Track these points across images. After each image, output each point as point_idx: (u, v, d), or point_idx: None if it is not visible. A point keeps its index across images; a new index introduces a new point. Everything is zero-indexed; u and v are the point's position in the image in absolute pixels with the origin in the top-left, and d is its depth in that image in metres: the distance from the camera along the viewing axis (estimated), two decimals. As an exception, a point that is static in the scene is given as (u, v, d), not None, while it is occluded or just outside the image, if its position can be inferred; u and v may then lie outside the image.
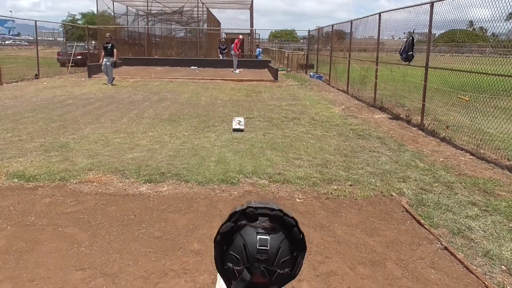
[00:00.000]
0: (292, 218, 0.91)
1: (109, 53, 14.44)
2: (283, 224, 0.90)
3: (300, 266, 0.92)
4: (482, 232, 3.55)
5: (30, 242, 3.25)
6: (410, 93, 9.25)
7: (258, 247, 0.86)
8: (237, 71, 19.59)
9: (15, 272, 2.84)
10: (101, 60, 14.62)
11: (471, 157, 5.96)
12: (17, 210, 3.86)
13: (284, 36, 64.67)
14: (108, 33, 16.94)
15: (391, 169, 5.26)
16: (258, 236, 0.87)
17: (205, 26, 31.05)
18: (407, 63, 8.98)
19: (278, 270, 0.87)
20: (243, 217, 0.90)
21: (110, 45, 14.53)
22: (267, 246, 0.86)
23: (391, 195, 4.42)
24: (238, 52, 19.89)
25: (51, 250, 3.14)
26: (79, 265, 2.94)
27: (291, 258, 0.89)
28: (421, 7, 8.28)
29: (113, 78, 14.84)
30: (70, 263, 2.97)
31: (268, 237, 0.87)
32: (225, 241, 0.90)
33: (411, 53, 8.78)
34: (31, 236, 3.36)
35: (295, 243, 0.91)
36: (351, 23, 13.73)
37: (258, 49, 26.35)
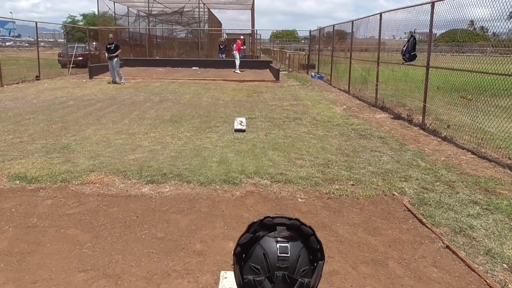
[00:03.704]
0: (309, 227, 0.91)
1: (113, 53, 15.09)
2: (301, 234, 0.91)
3: (320, 277, 0.91)
4: (483, 230, 3.55)
5: (32, 244, 3.26)
6: (412, 92, 9.24)
7: (279, 255, 0.86)
8: (239, 71, 19.59)
9: (18, 274, 2.85)
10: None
11: (472, 156, 5.96)
12: (19, 212, 3.87)
13: (285, 37, 64.67)
14: (111, 34, 17.13)
15: (392, 169, 5.27)
16: (278, 244, 0.87)
17: (206, 27, 31.07)
18: (409, 63, 8.98)
19: (299, 279, 0.86)
20: (261, 227, 0.91)
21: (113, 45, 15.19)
22: (287, 253, 0.86)
23: (393, 195, 4.43)
24: (239, 52, 19.86)
25: (53, 252, 3.14)
26: (81, 266, 2.95)
27: (310, 269, 0.90)
28: (422, 7, 8.28)
29: (117, 79, 15.31)
30: (72, 264, 2.97)
31: (288, 244, 0.87)
32: (243, 252, 0.91)
33: (414, 53, 8.78)
34: (33, 238, 3.37)
35: (313, 253, 0.91)
36: (352, 23, 13.73)
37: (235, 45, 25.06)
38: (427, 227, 3.64)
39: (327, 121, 8.53)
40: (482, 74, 6.44)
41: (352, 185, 4.70)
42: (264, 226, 0.91)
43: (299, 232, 0.91)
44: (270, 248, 0.87)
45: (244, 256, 0.91)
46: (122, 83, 15.07)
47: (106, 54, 15.24)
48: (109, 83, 15.29)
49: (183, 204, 4.09)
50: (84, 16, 50.79)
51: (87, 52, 22.86)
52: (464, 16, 7.05)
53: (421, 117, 8.22)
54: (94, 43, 25.09)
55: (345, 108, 10.50)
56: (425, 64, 8.01)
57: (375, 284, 2.82)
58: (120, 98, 11.64)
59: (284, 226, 0.91)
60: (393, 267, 3.02)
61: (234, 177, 4.81)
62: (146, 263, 3.01)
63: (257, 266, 0.87)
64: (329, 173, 5.05)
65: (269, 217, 0.91)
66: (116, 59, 15.05)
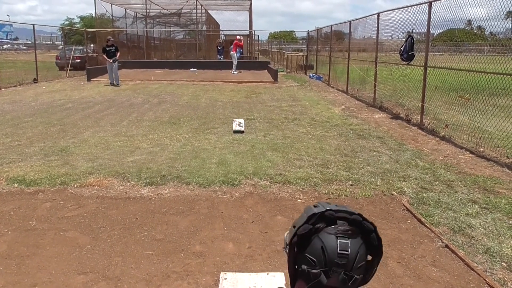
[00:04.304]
0: (371, 223, 0.90)
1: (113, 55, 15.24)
2: (361, 229, 0.89)
3: (374, 272, 0.91)
4: (482, 229, 3.56)
5: (31, 247, 3.26)
6: (410, 92, 9.26)
7: (338, 251, 0.85)
8: (236, 72, 19.57)
9: (17, 277, 2.84)
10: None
11: (471, 155, 5.97)
12: (18, 215, 3.86)
13: (283, 37, 64.69)
14: (109, 36, 17.14)
15: (391, 169, 5.27)
16: (339, 240, 0.86)
17: (204, 28, 31.08)
18: (406, 62, 9.00)
19: (356, 276, 0.86)
20: (321, 220, 0.89)
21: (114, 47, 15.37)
22: (347, 251, 0.85)
23: (392, 194, 4.43)
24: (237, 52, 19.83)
25: (52, 255, 3.14)
26: (81, 269, 2.95)
27: (365, 263, 0.89)
28: (419, 6, 8.30)
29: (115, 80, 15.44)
30: (72, 267, 2.97)
31: (348, 241, 0.86)
32: (299, 242, 0.89)
33: (411, 53, 8.80)
34: (33, 241, 3.36)
35: (371, 249, 0.90)
36: (350, 23, 13.75)
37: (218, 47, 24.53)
38: (426, 226, 3.65)
39: (326, 121, 8.54)
40: (480, 73, 6.46)
41: (351, 185, 4.70)
42: (325, 218, 0.89)
43: (360, 227, 0.89)
44: (330, 243, 0.86)
45: (300, 245, 0.89)
46: (118, 84, 15.13)
47: (105, 56, 15.25)
48: (107, 85, 15.29)
49: (182, 206, 4.09)
50: (82, 18, 50.79)
51: (84, 55, 22.82)
52: (462, 15, 7.08)
53: (419, 117, 8.23)
54: (92, 45, 25.06)
55: (343, 108, 10.51)
56: (423, 64, 8.03)
57: (375, 284, 2.82)
58: (118, 100, 11.63)
59: (345, 221, 0.89)
60: (392, 267, 3.03)
61: (233, 178, 4.81)
62: (145, 265, 3.01)
63: (313, 259, 0.86)
64: (328, 174, 5.06)
65: (331, 209, 0.89)
66: (116, 61, 15.19)
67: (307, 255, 0.87)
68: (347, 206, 0.92)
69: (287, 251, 0.92)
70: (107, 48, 15.17)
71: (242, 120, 7.73)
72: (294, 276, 0.92)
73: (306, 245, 0.88)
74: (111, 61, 15.04)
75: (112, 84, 15.19)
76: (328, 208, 0.89)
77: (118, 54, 15.33)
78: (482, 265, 3.03)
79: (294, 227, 0.91)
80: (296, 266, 0.91)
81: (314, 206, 0.92)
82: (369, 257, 0.91)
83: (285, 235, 0.95)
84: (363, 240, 0.89)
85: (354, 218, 0.89)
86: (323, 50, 19.60)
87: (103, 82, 16.16)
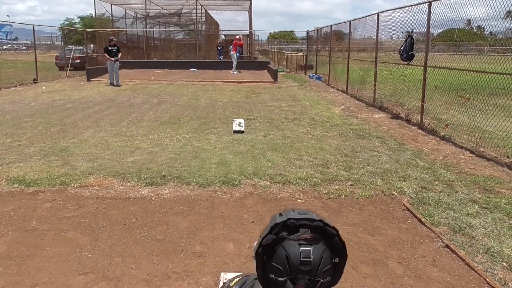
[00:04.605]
0: (333, 227, 0.92)
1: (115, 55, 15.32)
2: (324, 235, 0.91)
3: (341, 273, 0.94)
4: (482, 229, 3.56)
5: (31, 247, 3.25)
6: (410, 92, 9.26)
7: (301, 259, 0.87)
8: (235, 72, 19.56)
9: (17, 277, 2.84)
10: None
11: (471, 155, 5.97)
12: (18, 215, 3.86)
13: (283, 37, 64.66)
14: (112, 36, 17.16)
15: (391, 168, 5.27)
16: (301, 248, 0.88)
17: (204, 28, 31.07)
18: (406, 62, 9.00)
19: (321, 280, 0.88)
20: (283, 228, 0.91)
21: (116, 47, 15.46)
22: (310, 258, 0.87)
23: (392, 194, 4.43)
24: (237, 51, 19.81)
25: (53, 255, 3.14)
26: (81, 269, 2.95)
27: (332, 265, 0.91)
28: (419, 6, 8.30)
29: (114, 81, 15.50)
30: (72, 267, 2.97)
31: (310, 248, 0.88)
32: (265, 252, 0.92)
33: (411, 52, 8.80)
34: (33, 241, 3.36)
35: (336, 251, 0.92)
36: (350, 23, 13.75)
37: (219, 48, 24.26)
38: (426, 226, 3.65)
39: (326, 121, 8.54)
40: (480, 73, 6.46)
41: (351, 185, 4.70)
42: (288, 227, 0.91)
43: (323, 233, 0.91)
44: (293, 251, 0.88)
45: (267, 254, 0.92)
46: (119, 84, 15.16)
47: (106, 55, 15.26)
48: (107, 85, 15.29)
49: (183, 206, 4.09)
50: (82, 18, 50.73)
51: (84, 55, 22.80)
52: (461, 15, 7.08)
53: (419, 117, 8.23)
54: (92, 45, 25.03)
55: (343, 108, 10.51)
56: (423, 64, 8.03)
57: (375, 284, 2.82)
58: (118, 100, 11.63)
59: (308, 228, 0.91)
60: (393, 267, 3.03)
61: (233, 178, 4.81)
62: (146, 265, 3.01)
63: (279, 267, 0.88)
64: (328, 174, 5.06)
65: (292, 218, 0.91)
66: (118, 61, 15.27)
67: (274, 264, 0.90)
68: (310, 212, 0.94)
69: (255, 260, 0.94)
70: (109, 48, 15.19)
71: (242, 120, 7.73)
72: (265, 284, 0.94)
73: (273, 255, 0.91)
74: (113, 59, 15.04)
75: (112, 84, 15.20)
76: (290, 217, 0.92)
77: (119, 55, 15.41)
78: (482, 265, 3.03)
79: (260, 236, 0.93)
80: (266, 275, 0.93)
81: (280, 214, 0.94)
82: (338, 259, 0.94)
83: (255, 244, 0.97)
84: (327, 244, 0.91)
85: (315, 225, 0.91)
86: (323, 50, 19.59)
87: (103, 82, 16.16)
